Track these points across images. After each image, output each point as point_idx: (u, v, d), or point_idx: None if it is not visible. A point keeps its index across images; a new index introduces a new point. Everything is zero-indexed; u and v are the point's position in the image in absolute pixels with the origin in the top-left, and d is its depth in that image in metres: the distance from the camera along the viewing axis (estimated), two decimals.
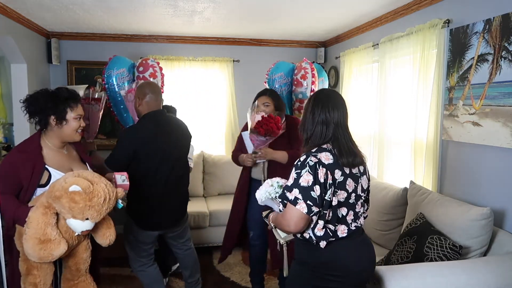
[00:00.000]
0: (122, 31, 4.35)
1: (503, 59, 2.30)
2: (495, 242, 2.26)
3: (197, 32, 4.45)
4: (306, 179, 1.57)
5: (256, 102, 2.67)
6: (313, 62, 3.34)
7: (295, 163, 1.66)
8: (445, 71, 2.80)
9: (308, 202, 1.56)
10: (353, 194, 1.68)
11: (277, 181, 1.82)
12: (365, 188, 1.76)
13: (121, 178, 2.07)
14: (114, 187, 1.89)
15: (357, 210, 1.71)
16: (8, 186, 1.86)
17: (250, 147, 2.62)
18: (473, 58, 2.53)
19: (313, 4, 3.26)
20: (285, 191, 1.63)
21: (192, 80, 4.66)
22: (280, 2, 3.21)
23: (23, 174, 1.86)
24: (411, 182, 2.89)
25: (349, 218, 1.68)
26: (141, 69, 3.21)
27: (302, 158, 1.63)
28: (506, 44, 2.27)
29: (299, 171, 1.60)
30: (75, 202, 1.70)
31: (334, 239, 1.65)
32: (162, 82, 3.37)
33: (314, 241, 1.65)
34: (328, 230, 1.64)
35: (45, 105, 1.93)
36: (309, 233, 1.66)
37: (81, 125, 2.02)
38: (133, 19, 3.78)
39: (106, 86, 3.13)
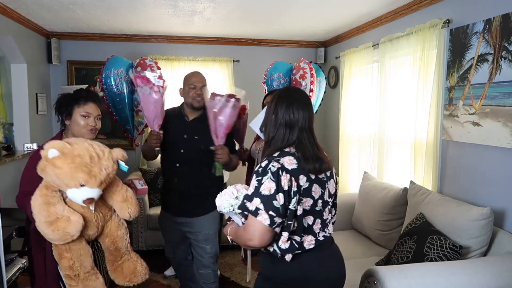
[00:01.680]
0: (122, 31, 4.36)
1: (503, 59, 2.30)
2: (495, 242, 2.26)
3: (197, 32, 4.45)
4: (268, 186, 1.41)
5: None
6: (311, 62, 3.33)
7: (255, 169, 1.49)
8: (445, 71, 2.80)
9: (271, 212, 1.39)
10: (320, 201, 1.53)
11: (242, 192, 1.61)
12: (332, 193, 1.61)
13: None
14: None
15: (324, 217, 1.57)
16: (36, 187, 1.84)
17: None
18: (473, 58, 2.53)
19: (313, 4, 3.26)
20: (245, 200, 1.46)
21: None
22: (280, 2, 3.21)
23: None
24: (411, 182, 2.89)
25: (316, 227, 1.54)
26: (139, 69, 3.20)
27: (263, 164, 1.46)
28: (506, 44, 2.27)
29: (260, 178, 1.43)
30: (58, 167, 1.60)
31: (300, 251, 1.50)
32: None
33: (279, 255, 1.49)
34: (294, 242, 1.49)
35: (60, 104, 2.02)
36: (273, 246, 1.50)
37: (90, 124, 2.00)
38: (133, 19, 3.79)
39: (104, 86, 3.12)
